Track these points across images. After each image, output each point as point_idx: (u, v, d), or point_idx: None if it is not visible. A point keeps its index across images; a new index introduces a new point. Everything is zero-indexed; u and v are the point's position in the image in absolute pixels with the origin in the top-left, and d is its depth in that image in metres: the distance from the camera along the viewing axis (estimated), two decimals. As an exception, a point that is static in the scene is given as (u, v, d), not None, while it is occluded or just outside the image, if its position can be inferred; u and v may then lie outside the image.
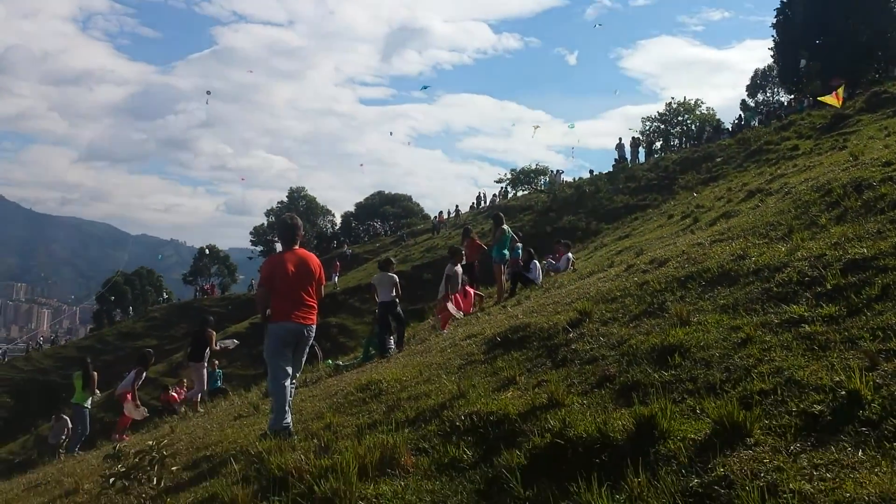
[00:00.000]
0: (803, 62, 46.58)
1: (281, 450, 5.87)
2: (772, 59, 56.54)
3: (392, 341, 12.63)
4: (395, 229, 77.82)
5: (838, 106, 28.69)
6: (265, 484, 5.20)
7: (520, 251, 17.47)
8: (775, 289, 6.03)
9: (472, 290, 15.17)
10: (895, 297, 4.98)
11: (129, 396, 15.47)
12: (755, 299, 5.99)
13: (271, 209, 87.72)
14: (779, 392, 4.21)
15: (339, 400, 7.82)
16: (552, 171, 56.84)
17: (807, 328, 5.00)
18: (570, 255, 18.58)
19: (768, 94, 65.75)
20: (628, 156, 47.99)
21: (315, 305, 7.28)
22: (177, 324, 65.23)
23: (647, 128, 55.86)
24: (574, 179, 51.22)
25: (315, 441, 6.03)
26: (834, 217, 7.89)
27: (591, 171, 51.11)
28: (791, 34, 49.29)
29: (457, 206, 64.49)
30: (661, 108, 56.46)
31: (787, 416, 3.93)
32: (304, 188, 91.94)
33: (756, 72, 66.97)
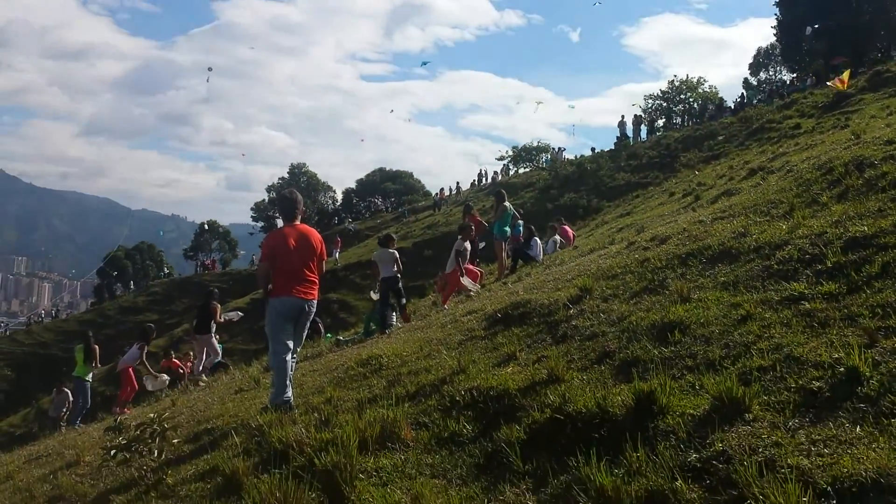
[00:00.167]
0: (809, 30, 46.12)
1: (282, 423, 5.90)
2: (775, 38, 56.20)
3: (393, 317, 12.65)
4: (396, 206, 77.75)
5: (843, 90, 28.58)
6: (266, 457, 5.23)
7: (521, 228, 17.47)
8: (776, 266, 6.03)
9: (472, 267, 15.17)
10: (895, 274, 4.98)
11: (132, 372, 15.55)
12: (756, 276, 6.00)
13: (272, 185, 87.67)
14: (778, 368, 4.22)
15: (340, 375, 7.85)
16: (554, 149, 56.70)
17: (807, 305, 5.00)
18: (557, 237, 18.55)
19: (771, 73, 65.38)
20: (630, 133, 47.84)
21: (316, 280, 7.28)
22: (178, 298, 65.39)
23: (650, 106, 55.63)
24: (576, 157, 51.08)
25: (316, 415, 6.06)
26: (835, 195, 7.87)
27: (592, 149, 50.98)
28: (794, 13, 48.96)
29: (458, 183, 64.46)
30: (664, 86, 56.15)
31: (785, 393, 3.94)
32: (305, 164, 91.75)
33: (759, 50, 66.56)
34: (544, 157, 55.40)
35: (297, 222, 7.35)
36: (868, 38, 46.03)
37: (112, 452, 6.54)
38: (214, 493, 4.97)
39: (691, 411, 4.03)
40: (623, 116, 49.20)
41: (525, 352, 6.30)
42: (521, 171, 56.06)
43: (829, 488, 3.10)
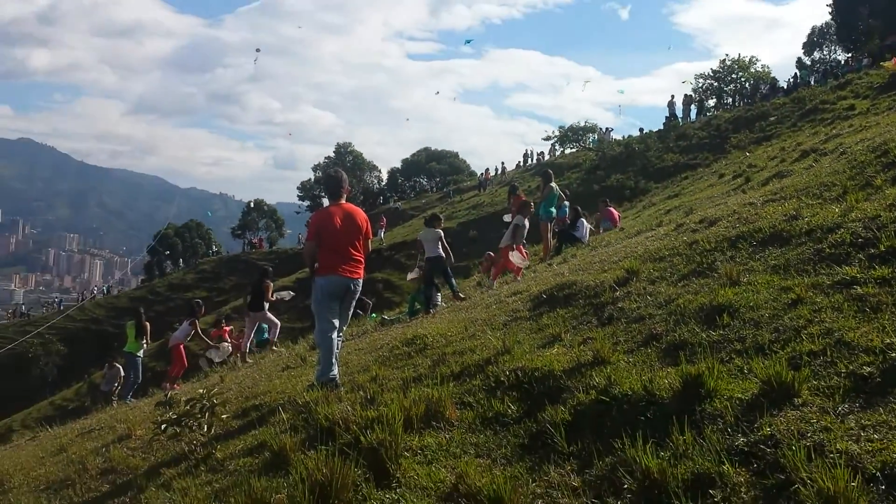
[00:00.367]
0: (865, 8, 44.76)
1: (328, 401, 5.98)
2: (829, 17, 54.78)
3: (438, 297, 12.68)
4: (441, 186, 77.70)
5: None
6: (312, 433, 5.30)
7: (566, 209, 17.37)
8: (828, 250, 5.92)
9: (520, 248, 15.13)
10: (953, 259, 4.87)
11: (182, 349, 15.83)
12: (807, 260, 5.90)
13: (318, 164, 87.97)
14: (828, 353, 4.17)
15: (385, 353, 7.91)
16: (601, 129, 56.08)
17: (859, 290, 4.92)
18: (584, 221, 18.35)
19: (825, 53, 63.74)
20: (680, 114, 47.11)
21: (362, 259, 7.32)
22: (226, 276, 66.41)
23: (700, 85, 54.66)
24: (623, 137, 50.46)
25: (361, 393, 6.12)
26: (890, 178, 7.69)
27: (640, 129, 50.31)
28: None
29: (503, 164, 64.15)
30: (715, 65, 55.02)
31: (835, 377, 3.90)
32: (350, 144, 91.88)
33: (813, 29, 64.83)
34: (591, 137, 54.81)
35: (343, 201, 7.39)
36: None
37: (163, 427, 6.69)
38: (262, 468, 5.05)
39: (739, 395, 3.99)
40: (673, 96, 48.45)
41: (570, 333, 6.29)
42: (568, 151, 55.56)
43: (878, 473, 3.07)
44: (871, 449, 3.20)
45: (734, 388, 4.08)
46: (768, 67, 53.94)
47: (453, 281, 12.60)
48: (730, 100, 52.10)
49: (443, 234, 12.33)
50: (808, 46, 63.88)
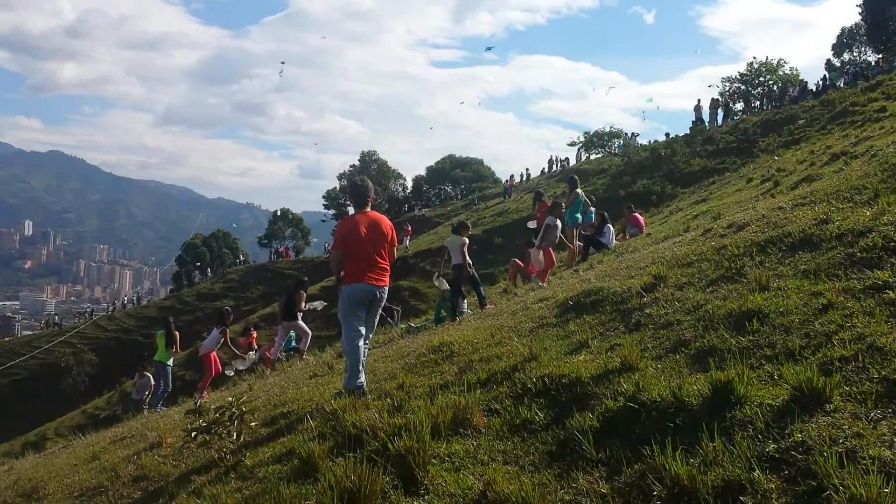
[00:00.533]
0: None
1: (355, 408, 5.99)
2: (859, 17, 54.23)
3: (464, 304, 12.67)
4: (466, 193, 77.77)
5: None
6: (340, 440, 5.31)
7: (592, 215, 17.31)
8: (859, 254, 5.86)
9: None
10: None
11: (213, 357, 15.93)
12: (838, 264, 5.84)
13: (343, 173, 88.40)
14: (860, 358, 4.12)
15: (412, 361, 7.91)
16: (627, 134, 55.87)
17: (891, 294, 4.86)
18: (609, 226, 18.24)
19: (855, 54, 63.05)
20: (707, 118, 46.79)
21: (388, 267, 7.36)
22: (253, 285, 66.91)
23: (727, 89, 54.26)
24: (649, 142, 50.22)
25: (388, 400, 6.12)
26: (923, 180, 7.60)
27: (667, 134, 50.02)
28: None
29: (527, 170, 64.11)
30: (742, 68, 54.65)
31: (867, 383, 3.85)
32: (375, 152, 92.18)
33: (842, 30, 64.15)
34: (617, 142, 54.64)
35: (368, 209, 7.44)
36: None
37: (193, 434, 6.74)
38: (291, 475, 5.08)
39: (770, 401, 3.95)
40: (699, 100, 48.14)
41: (597, 340, 6.26)
42: (593, 157, 55.41)
43: (912, 480, 3.02)
44: (904, 455, 3.15)
45: (764, 395, 4.04)
46: (796, 70, 53.49)
47: (481, 289, 12.59)
48: (757, 103, 51.69)
49: (467, 242, 12.32)
50: (838, 48, 63.21)
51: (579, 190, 15.98)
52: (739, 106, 52.12)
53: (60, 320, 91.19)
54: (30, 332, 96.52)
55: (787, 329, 4.91)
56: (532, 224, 17.20)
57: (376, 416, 5.49)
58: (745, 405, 3.97)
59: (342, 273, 7.22)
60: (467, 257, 12.16)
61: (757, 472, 3.35)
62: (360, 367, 6.97)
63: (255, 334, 18.41)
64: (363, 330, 7.17)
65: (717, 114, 47.18)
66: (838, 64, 59.73)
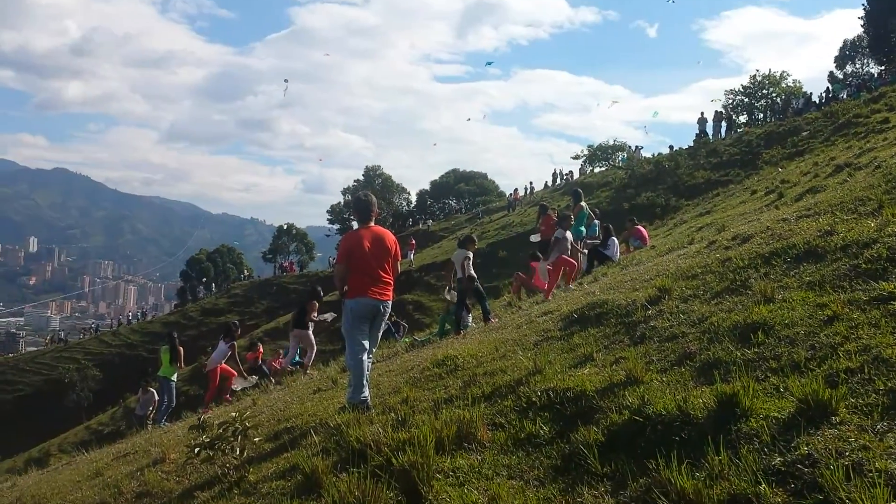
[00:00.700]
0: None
1: (359, 423, 5.97)
2: (862, 29, 54.32)
3: (469, 318, 12.64)
4: (470, 207, 77.84)
5: None
6: (344, 456, 5.29)
7: (596, 228, 17.30)
8: (864, 265, 5.84)
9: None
10: None
11: (220, 371, 15.89)
12: (843, 276, 5.82)
13: (347, 187, 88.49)
14: (866, 370, 4.10)
15: (416, 375, 7.89)
16: (630, 147, 55.90)
17: (896, 305, 4.84)
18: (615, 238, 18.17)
19: (857, 66, 63.10)
20: (710, 131, 46.79)
21: (391, 281, 7.37)
22: (257, 300, 66.93)
23: (730, 101, 54.33)
24: (653, 155, 50.24)
25: (392, 415, 6.11)
26: (928, 191, 7.58)
27: (670, 147, 50.04)
28: (882, 3, 47.21)
29: (531, 183, 64.15)
30: (745, 80, 54.69)
31: (874, 395, 3.83)
32: (379, 166, 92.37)
33: (845, 42, 64.25)
34: (620, 155, 54.67)
35: (372, 224, 7.45)
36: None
37: (196, 450, 6.71)
38: (295, 491, 5.05)
39: (776, 414, 3.93)
40: (703, 113, 48.15)
41: (602, 353, 6.24)
42: (597, 170, 55.43)
43: (919, 493, 2.99)
44: (912, 468, 3.13)
45: (770, 407, 4.02)
46: (799, 82, 53.56)
47: (486, 303, 12.56)
48: (761, 116, 51.72)
49: (470, 256, 12.30)
50: (841, 60, 63.33)
51: (583, 203, 15.99)
52: (743, 118, 52.15)
53: (66, 336, 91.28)
54: (34, 349, 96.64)
55: (793, 341, 4.89)
56: (535, 237, 17.19)
57: (380, 430, 5.47)
58: (751, 418, 3.95)
59: (346, 287, 7.23)
60: (469, 271, 12.13)
61: (763, 485, 3.32)
62: (364, 382, 6.96)
63: (261, 349, 18.42)
64: (367, 344, 7.17)
65: (720, 126, 47.19)
66: (841, 76, 59.81)
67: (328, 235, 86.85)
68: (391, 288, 7.39)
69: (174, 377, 16.20)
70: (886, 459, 3.24)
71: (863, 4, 50.24)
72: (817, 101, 44.97)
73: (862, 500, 2.96)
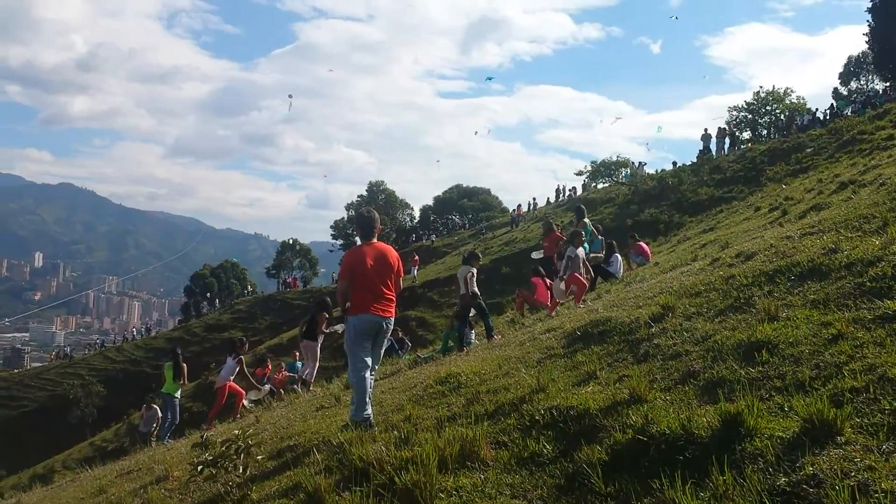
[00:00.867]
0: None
1: (362, 441, 5.95)
2: (866, 46, 54.36)
3: (472, 334, 12.62)
4: (473, 223, 77.90)
5: None
6: (347, 474, 5.27)
7: (599, 244, 17.29)
8: (869, 283, 5.82)
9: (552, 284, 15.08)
10: None
11: (227, 388, 15.86)
12: (847, 294, 5.80)
13: (351, 203, 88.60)
14: (871, 390, 4.07)
15: (419, 392, 7.87)
16: (634, 164, 55.96)
17: (902, 324, 4.82)
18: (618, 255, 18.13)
19: (862, 82, 63.13)
20: (714, 147, 46.80)
21: (394, 298, 7.37)
22: (261, 316, 66.94)
23: (734, 118, 54.34)
24: (656, 171, 50.24)
25: (395, 433, 6.09)
26: (932, 209, 7.57)
27: (674, 163, 50.07)
28: (888, 18, 47.25)
29: (534, 199, 64.25)
30: (749, 97, 54.69)
31: (879, 415, 3.80)
32: (383, 182, 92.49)
33: (849, 59, 64.29)
34: (624, 171, 54.69)
35: (375, 240, 7.45)
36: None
37: (199, 468, 6.69)
38: (297, 510, 5.03)
39: (780, 434, 3.91)
40: (706, 129, 48.17)
41: (606, 371, 6.22)
42: (601, 186, 55.48)
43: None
44: (918, 489, 3.11)
45: (775, 427, 3.99)
46: (804, 99, 53.56)
47: (489, 320, 12.55)
48: (764, 132, 51.73)
49: (473, 272, 12.28)
50: (845, 76, 63.36)
51: (587, 219, 15.98)
52: (747, 135, 52.16)
53: (71, 351, 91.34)
54: (39, 364, 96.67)
55: (797, 360, 4.87)
56: (537, 254, 17.19)
57: (383, 449, 5.45)
58: (756, 438, 3.92)
59: (348, 304, 7.22)
60: (472, 287, 12.12)
61: (768, 506, 3.30)
62: (367, 399, 6.94)
63: (270, 366, 18.45)
64: (369, 361, 7.16)
65: (723, 143, 47.20)
66: (845, 92, 59.81)
67: (331, 251, 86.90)
68: (394, 304, 7.39)
69: (178, 394, 16.17)
70: (892, 480, 3.21)
71: (867, 21, 50.29)
72: (821, 118, 44.98)
73: (868, 522, 2.94)
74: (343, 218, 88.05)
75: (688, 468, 3.85)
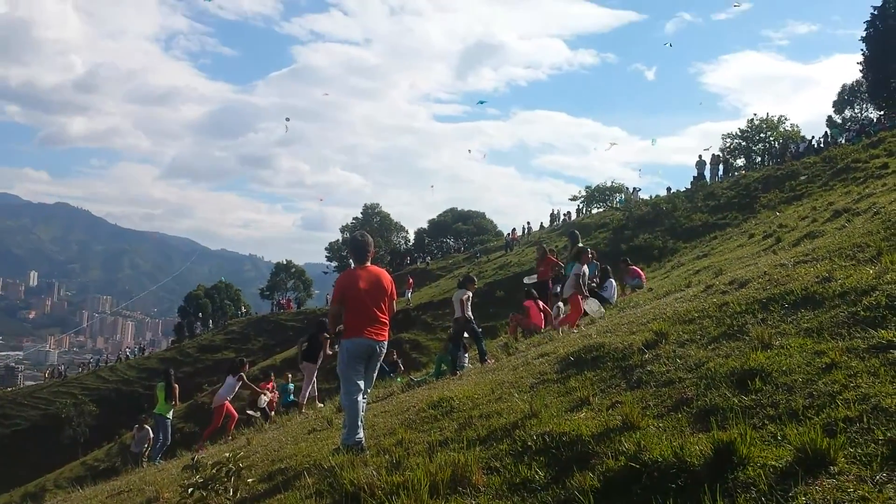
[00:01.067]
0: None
1: (353, 465, 5.91)
2: (860, 74, 54.83)
3: (465, 358, 12.59)
4: (468, 246, 77.93)
5: None
6: (337, 498, 5.24)
7: (594, 269, 17.29)
8: (862, 312, 5.82)
9: (547, 307, 15.08)
10: None
11: (224, 408, 15.77)
12: (841, 323, 5.80)
13: (346, 225, 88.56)
14: (865, 420, 4.06)
15: (411, 416, 7.84)
16: (628, 189, 56.17)
17: (895, 354, 4.80)
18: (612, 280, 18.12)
19: (856, 111, 63.56)
20: (708, 174, 46.98)
21: (387, 321, 7.35)
22: (254, 337, 66.62)
23: (728, 144, 54.66)
24: (651, 197, 50.43)
25: (387, 457, 6.05)
26: (925, 238, 7.59)
27: (668, 189, 50.25)
28: (882, 47, 47.73)
29: (528, 223, 64.28)
30: (743, 124, 55.10)
31: (873, 445, 3.79)
32: (378, 204, 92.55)
33: (843, 87, 64.76)
34: (618, 197, 54.87)
35: (368, 264, 7.45)
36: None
37: (189, 490, 6.63)
38: (286, 534, 4.99)
39: (773, 463, 3.89)
40: (700, 156, 48.39)
41: (598, 397, 6.19)
42: (595, 211, 55.62)
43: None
44: (911, 520, 3.09)
45: (767, 456, 3.98)
46: (797, 126, 53.93)
47: (483, 344, 12.51)
48: (759, 159, 51.99)
49: (469, 295, 12.28)
50: (839, 104, 63.79)
51: (581, 244, 16.00)
52: (741, 162, 52.42)
53: (65, 370, 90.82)
54: (32, 383, 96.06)
55: (790, 388, 4.86)
56: (530, 279, 17.19)
57: (374, 473, 5.41)
58: (748, 466, 3.91)
59: (340, 327, 7.21)
60: (467, 311, 12.12)
61: (760, 536, 3.28)
62: (359, 423, 6.91)
63: (272, 382, 18.41)
64: (362, 384, 7.13)
65: (717, 169, 47.41)
66: (839, 121, 60.19)
67: (326, 272, 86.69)
68: (387, 328, 7.37)
69: (170, 414, 16.10)
70: (885, 511, 3.20)
71: (862, 50, 50.81)
72: (815, 146, 45.22)
73: (860, 554, 2.92)
74: (338, 240, 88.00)
75: (680, 496, 3.83)
